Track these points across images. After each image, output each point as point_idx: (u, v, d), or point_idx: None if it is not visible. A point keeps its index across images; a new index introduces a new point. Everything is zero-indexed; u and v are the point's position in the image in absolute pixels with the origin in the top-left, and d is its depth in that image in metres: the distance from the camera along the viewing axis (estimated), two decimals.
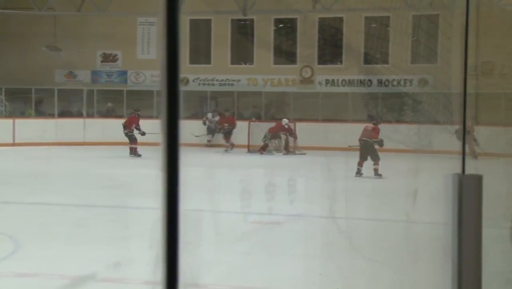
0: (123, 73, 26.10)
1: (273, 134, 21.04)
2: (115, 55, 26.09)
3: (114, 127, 23.49)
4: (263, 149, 21.00)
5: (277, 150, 21.10)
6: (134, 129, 19.52)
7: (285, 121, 21.25)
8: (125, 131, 19.71)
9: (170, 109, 1.29)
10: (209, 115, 23.60)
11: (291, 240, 8.47)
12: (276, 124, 21.31)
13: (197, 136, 21.36)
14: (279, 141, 21.31)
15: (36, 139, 22.12)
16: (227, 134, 22.32)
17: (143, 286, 6.31)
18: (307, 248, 8.15)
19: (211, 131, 23.22)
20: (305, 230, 9.23)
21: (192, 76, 25.23)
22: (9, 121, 22.16)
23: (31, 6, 23.79)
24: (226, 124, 22.37)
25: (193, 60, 25.41)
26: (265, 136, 21.12)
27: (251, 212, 10.21)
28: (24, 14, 24.56)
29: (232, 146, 22.08)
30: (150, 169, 15.91)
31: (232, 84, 25.29)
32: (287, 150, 21.03)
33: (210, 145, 22.87)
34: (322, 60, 24.98)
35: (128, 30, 25.46)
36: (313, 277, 6.75)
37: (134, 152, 19.37)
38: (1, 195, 12.25)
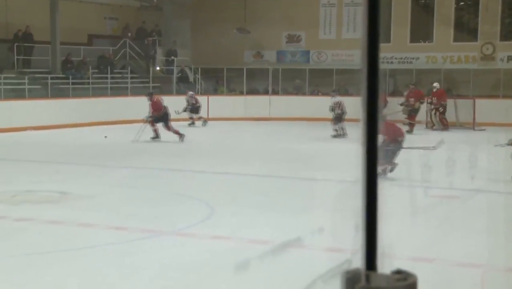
0: (306, 53, 27.11)
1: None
2: (299, 36, 27.12)
3: (297, 104, 24.52)
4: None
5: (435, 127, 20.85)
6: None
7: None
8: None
9: (370, 87, 1.36)
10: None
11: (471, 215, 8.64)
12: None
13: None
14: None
15: (227, 115, 23.61)
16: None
17: (336, 253, 6.55)
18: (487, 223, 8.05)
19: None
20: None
21: None
22: (204, 98, 23.86)
23: None
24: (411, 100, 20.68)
25: None
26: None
27: (431, 186, 10.19)
28: (216, 0, 26.46)
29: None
30: (333, 143, 16.36)
31: (410, 62, 25.45)
32: (444, 124, 20.93)
33: None
34: (505, 36, 24.39)
35: (311, 12, 26.41)
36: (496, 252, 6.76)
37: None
38: (195, 164, 13.28)
